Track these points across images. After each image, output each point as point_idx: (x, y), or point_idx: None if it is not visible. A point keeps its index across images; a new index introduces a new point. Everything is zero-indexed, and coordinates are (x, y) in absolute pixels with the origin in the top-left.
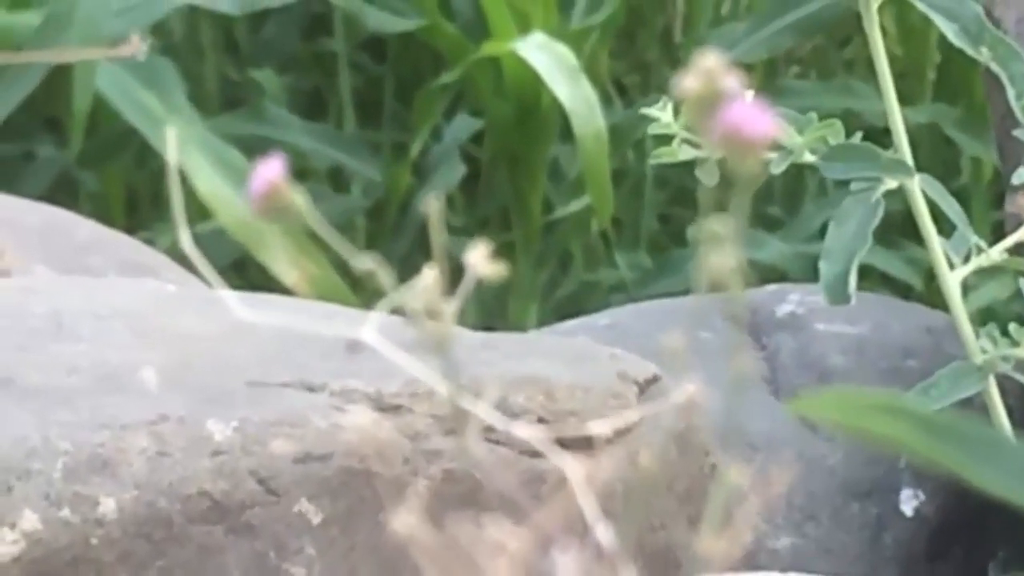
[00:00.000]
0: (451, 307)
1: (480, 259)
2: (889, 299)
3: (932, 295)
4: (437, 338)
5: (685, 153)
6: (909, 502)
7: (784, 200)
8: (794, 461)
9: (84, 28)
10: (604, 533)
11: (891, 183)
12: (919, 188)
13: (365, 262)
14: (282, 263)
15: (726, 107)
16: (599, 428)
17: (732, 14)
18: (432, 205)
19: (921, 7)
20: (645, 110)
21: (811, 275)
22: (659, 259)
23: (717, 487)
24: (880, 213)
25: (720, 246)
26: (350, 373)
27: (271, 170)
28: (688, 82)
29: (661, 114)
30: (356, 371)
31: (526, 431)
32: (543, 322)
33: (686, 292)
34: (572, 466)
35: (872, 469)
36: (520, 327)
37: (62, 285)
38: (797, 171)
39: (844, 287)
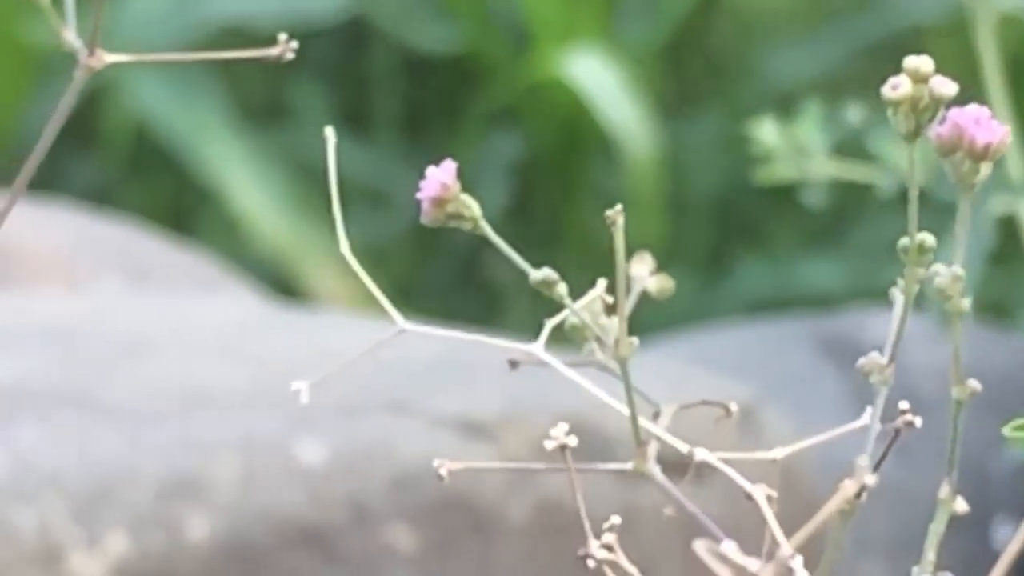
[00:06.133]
0: (623, 324)
1: (645, 272)
2: (985, 326)
3: None
4: (618, 357)
5: (789, 173)
6: (1006, 535)
7: (830, 219)
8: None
9: (124, 41)
10: (799, 564)
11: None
12: None
13: (542, 273)
14: (328, 280)
15: (950, 112)
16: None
17: (785, 33)
18: (617, 218)
19: None
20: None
21: (866, 299)
22: (710, 283)
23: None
24: (993, 236)
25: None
26: (445, 397)
27: (444, 173)
28: (899, 84)
29: (763, 132)
30: (451, 395)
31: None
32: None
33: (738, 317)
34: (761, 492)
35: (969, 500)
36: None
37: (140, 303)
38: (844, 188)
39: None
